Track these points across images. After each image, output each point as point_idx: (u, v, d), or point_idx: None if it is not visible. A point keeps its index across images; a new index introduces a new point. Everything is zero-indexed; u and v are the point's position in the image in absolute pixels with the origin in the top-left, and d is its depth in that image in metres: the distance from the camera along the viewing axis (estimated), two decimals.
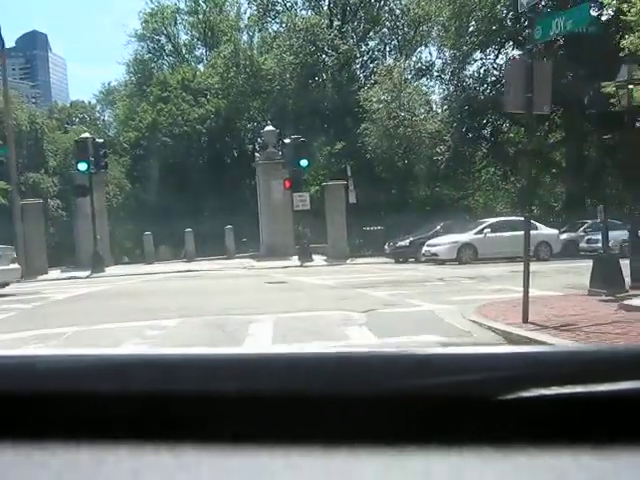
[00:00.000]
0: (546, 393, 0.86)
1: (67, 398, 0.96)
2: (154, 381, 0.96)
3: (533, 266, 22.15)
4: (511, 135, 37.12)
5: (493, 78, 37.84)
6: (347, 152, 41.03)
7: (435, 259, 24.75)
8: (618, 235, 27.93)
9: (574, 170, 35.09)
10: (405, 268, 22.85)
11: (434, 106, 41.01)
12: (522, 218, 27.74)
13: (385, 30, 45.88)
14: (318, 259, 28.65)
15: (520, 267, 20.54)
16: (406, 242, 27.58)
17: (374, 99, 36.66)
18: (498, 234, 25.01)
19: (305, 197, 28.15)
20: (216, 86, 45.93)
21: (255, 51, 46.48)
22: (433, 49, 44.64)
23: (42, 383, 0.99)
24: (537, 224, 26.13)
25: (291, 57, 39.96)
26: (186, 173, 44.41)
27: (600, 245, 27.71)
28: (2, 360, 1.09)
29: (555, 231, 26.26)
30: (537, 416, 0.86)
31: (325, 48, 40.20)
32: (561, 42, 35.58)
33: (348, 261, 28.46)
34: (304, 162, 27.63)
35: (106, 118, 65.00)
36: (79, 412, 0.94)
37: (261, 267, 26.45)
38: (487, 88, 37.51)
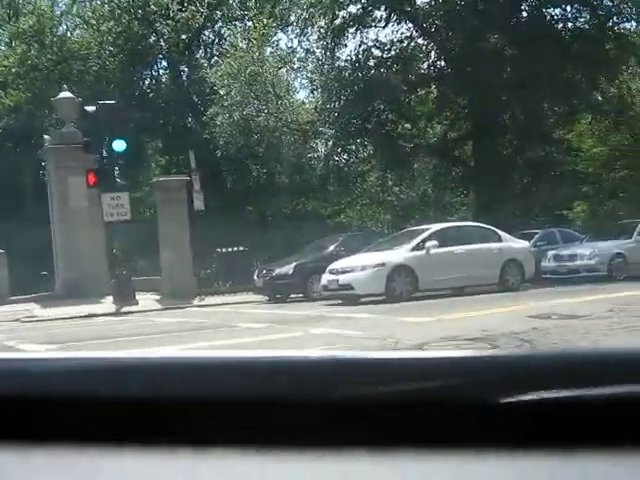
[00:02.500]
0: (543, 396, 0.81)
1: (66, 401, 0.92)
2: (154, 384, 0.93)
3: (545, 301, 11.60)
4: (407, 126, 26.99)
5: (375, 61, 27.83)
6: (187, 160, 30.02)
7: (345, 294, 14.04)
8: (605, 248, 18.49)
9: (486, 170, 25.52)
10: (309, 314, 11.92)
11: (304, 93, 30.90)
12: (478, 224, 17.68)
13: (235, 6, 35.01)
14: (147, 300, 17.31)
15: (547, 302, 9.69)
16: (288, 269, 16.68)
17: (225, 74, 25.72)
18: (449, 249, 14.64)
19: (121, 199, 16.69)
20: (13, 70, 33.34)
21: (67, 23, 34.31)
22: (293, 36, 34.11)
23: (41, 386, 0.96)
24: (500, 232, 16.01)
25: (111, 23, 28.20)
26: None
27: (582, 263, 18.38)
28: (2, 363, 1.05)
29: (526, 244, 16.30)
30: (534, 419, 0.82)
31: (157, 15, 28.75)
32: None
33: (196, 301, 17.35)
34: (120, 144, 16.30)
35: None
36: (78, 415, 0.91)
37: (46, 318, 14.94)
38: (370, 71, 27.41)
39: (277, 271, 16.73)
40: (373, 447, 0.81)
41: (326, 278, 14.59)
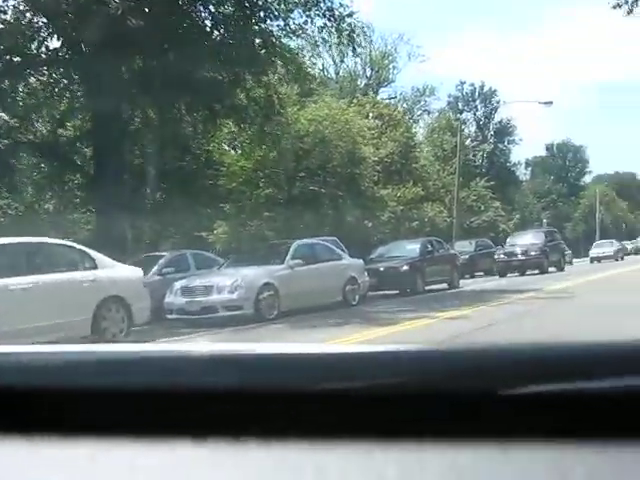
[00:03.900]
0: (546, 389, 0.81)
1: (63, 394, 0.92)
2: (152, 377, 0.93)
3: None
4: (2, 115, 20.31)
5: None
6: None
7: None
8: (251, 277, 13.44)
9: (109, 181, 19.76)
10: None
11: None
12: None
13: None
14: None
15: None
16: None
17: None
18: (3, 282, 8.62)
19: None
20: None
21: None
22: None
23: (38, 378, 0.95)
24: (95, 254, 10.37)
25: None
26: None
27: (220, 298, 12.48)
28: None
29: (136, 272, 10.79)
30: (538, 412, 0.81)
31: None
32: None
33: None
34: None
35: None
36: (76, 408, 0.90)
37: None
38: None
39: None
40: (372, 439, 0.81)
41: None
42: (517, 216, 50.33)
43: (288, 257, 13.32)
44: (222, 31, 21.01)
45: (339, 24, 20.33)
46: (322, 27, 21.02)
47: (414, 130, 38.68)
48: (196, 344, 1.00)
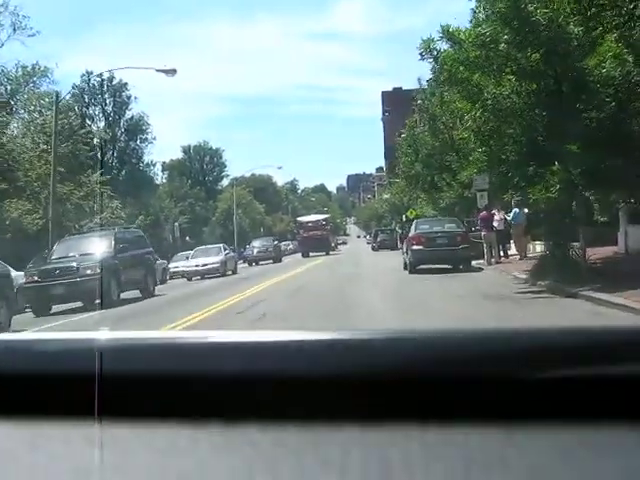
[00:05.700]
0: (549, 374, 0.81)
1: (61, 379, 0.91)
2: (157, 364, 0.91)
3: None
4: None
5: None
6: None
7: None
8: None
9: None
10: None
11: None
12: None
13: None
14: None
15: None
16: None
17: None
18: None
19: None
20: None
21: None
22: None
23: (40, 365, 0.94)
24: None
25: None
26: None
27: None
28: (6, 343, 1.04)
29: None
30: (540, 396, 0.81)
31: None
32: None
33: None
34: None
35: None
36: (72, 393, 0.88)
37: None
38: None
39: None
40: (375, 423, 0.79)
41: None
42: (140, 217, 42.36)
43: None
44: None
45: None
46: None
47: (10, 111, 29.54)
48: (198, 332, 0.96)
